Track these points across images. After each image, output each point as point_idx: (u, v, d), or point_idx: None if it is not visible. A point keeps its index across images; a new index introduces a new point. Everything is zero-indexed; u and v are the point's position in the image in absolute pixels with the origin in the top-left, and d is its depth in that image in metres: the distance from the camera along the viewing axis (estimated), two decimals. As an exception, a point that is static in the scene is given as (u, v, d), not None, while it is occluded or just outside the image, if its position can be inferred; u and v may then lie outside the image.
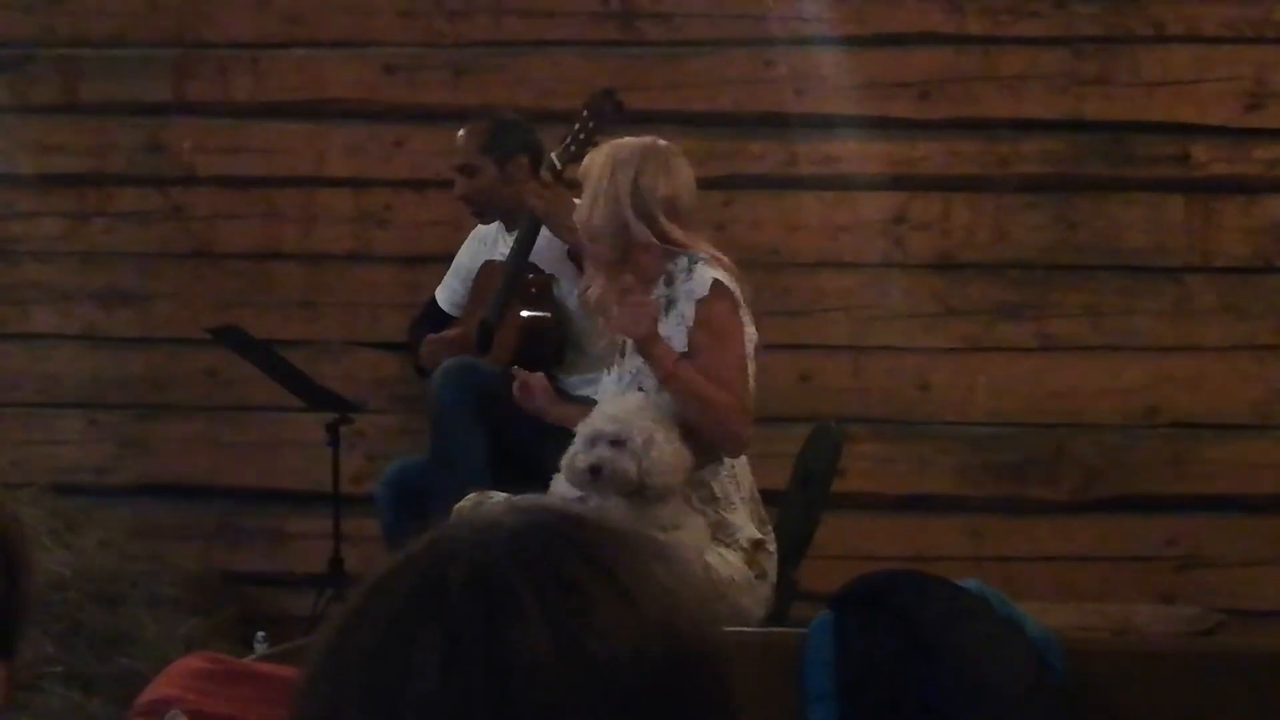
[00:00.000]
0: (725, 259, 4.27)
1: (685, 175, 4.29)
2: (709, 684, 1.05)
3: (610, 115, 5.04)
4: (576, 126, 5.03)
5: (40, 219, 6.33)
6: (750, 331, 4.22)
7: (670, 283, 4.20)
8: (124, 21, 6.28)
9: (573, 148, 4.99)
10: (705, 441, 4.13)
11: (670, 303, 4.18)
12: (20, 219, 6.33)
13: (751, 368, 4.20)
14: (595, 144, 4.85)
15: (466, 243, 5.42)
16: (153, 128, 6.27)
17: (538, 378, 4.47)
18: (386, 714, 1.02)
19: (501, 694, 1.00)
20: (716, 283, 4.14)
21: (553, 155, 5.00)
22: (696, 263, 4.18)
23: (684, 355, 4.12)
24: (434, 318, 5.41)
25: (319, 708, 1.05)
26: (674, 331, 4.15)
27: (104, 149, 6.29)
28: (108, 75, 6.28)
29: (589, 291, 4.33)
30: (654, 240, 4.18)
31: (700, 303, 4.13)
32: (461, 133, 5.27)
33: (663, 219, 4.17)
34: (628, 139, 4.35)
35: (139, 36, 6.28)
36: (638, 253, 4.19)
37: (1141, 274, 5.92)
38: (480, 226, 5.39)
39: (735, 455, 4.20)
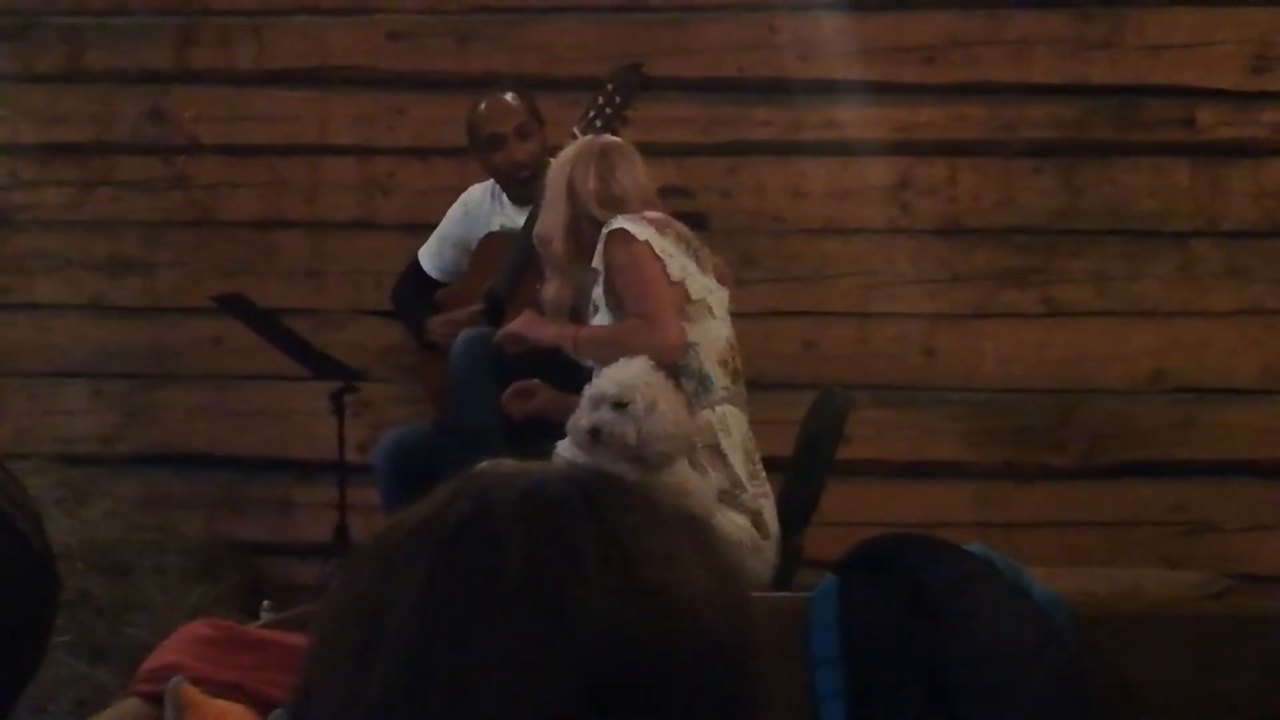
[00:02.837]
0: (654, 216, 4.38)
1: (624, 166, 4.44)
2: (704, 661, 1.04)
3: (636, 87, 5.03)
4: (600, 99, 5.01)
5: (44, 188, 6.32)
6: (680, 262, 4.30)
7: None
8: (126, -11, 6.26)
9: (597, 121, 4.97)
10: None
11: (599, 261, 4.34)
12: (24, 188, 6.32)
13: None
14: (623, 118, 4.91)
15: (455, 209, 5.40)
16: (156, 96, 6.26)
17: (528, 384, 4.51)
18: (368, 643, 1.02)
19: (469, 631, 1.00)
20: (614, 230, 4.28)
21: (576, 129, 4.98)
22: (615, 219, 4.32)
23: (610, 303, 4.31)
24: (419, 282, 5.40)
25: (319, 642, 1.06)
26: (605, 283, 4.33)
27: (107, 117, 6.28)
28: (110, 44, 6.26)
29: (545, 290, 4.52)
30: (594, 230, 4.35)
31: (604, 245, 4.28)
32: (509, 96, 5.24)
33: (596, 209, 4.35)
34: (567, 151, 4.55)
35: (142, 4, 6.26)
36: (589, 247, 4.36)
37: (1148, 239, 5.91)
38: (469, 194, 5.37)
39: (673, 359, 4.24)
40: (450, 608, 1.01)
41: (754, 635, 1.07)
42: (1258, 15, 5.88)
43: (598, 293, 4.35)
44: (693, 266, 4.33)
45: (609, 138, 4.60)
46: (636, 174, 4.46)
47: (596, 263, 4.32)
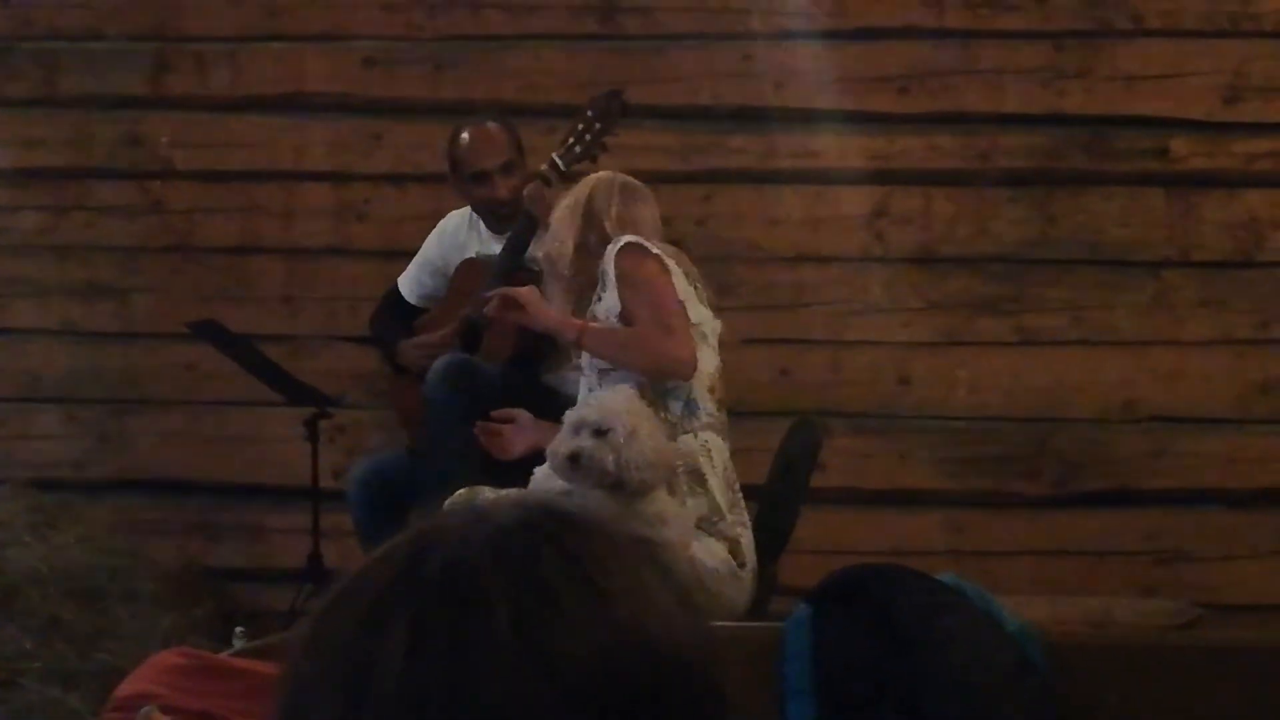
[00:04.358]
0: (663, 245, 4.40)
1: (642, 201, 4.49)
2: (685, 688, 1.05)
3: (616, 115, 5.03)
4: (580, 127, 5.00)
5: (18, 213, 6.31)
6: (683, 286, 4.32)
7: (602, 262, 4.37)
8: (102, 14, 6.26)
9: (577, 148, 4.97)
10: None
11: (603, 274, 4.32)
12: (-2, 213, 6.32)
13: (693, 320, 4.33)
14: (602, 145, 4.92)
15: (434, 236, 5.39)
16: (131, 121, 6.26)
17: (508, 413, 4.50)
18: (354, 699, 1.02)
19: (461, 687, 1.00)
20: (628, 242, 4.29)
21: (555, 156, 4.97)
22: (620, 238, 4.33)
23: (622, 314, 4.28)
24: (397, 309, 5.39)
25: (297, 689, 1.06)
26: (609, 295, 4.31)
27: (82, 143, 6.28)
28: (86, 69, 6.26)
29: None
30: (602, 249, 4.36)
31: (615, 259, 4.28)
32: (493, 127, 5.21)
33: (611, 228, 4.37)
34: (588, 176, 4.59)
35: (117, 30, 6.26)
36: (594, 265, 4.37)
37: (1121, 268, 5.93)
38: (447, 220, 5.36)
39: (685, 376, 4.25)
40: (441, 665, 1.01)
41: (719, 650, 1.09)
42: (1231, 46, 5.92)
43: (598, 308, 4.35)
44: (693, 294, 4.35)
45: (628, 176, 4.61)
46: (653, 211, 4.51)
47: (602, 276, 4.33)
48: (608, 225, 4.38)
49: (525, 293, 4.46)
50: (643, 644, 1.03)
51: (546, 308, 4.43)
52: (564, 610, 1.02)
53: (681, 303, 4.31)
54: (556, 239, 4.46)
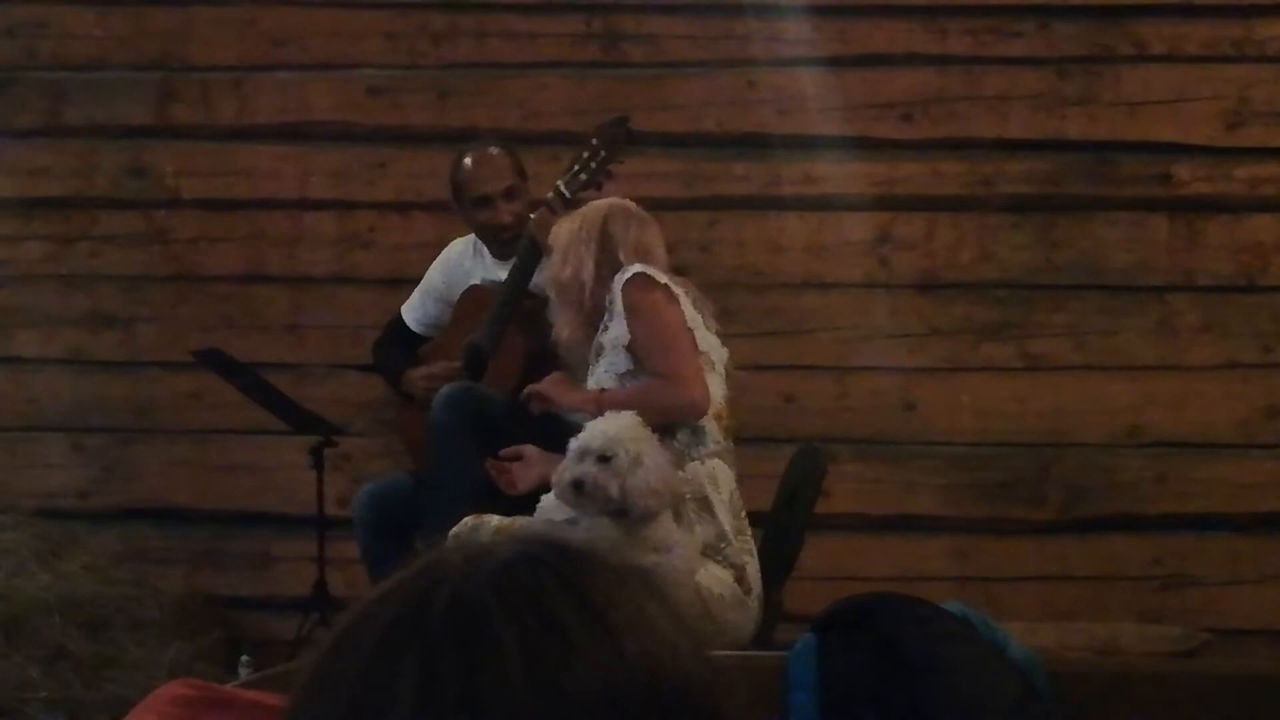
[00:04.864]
0: (675, 277, 4.42)
1: (653, 232, 4.52)
2: (691, 718, 1.05)
3: (622, 143, 5.03)
4: (586, 154, 5.00)
5: (24, 243, 6.32)
6: (690, 314, 4.34)
7: (610, 291, 4.38)
8: (107, 44, 6.28)
9: (582, 175, 4.97)
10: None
11: (611, 304, 4.35)
12: (4, 242, 6.32)
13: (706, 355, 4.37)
14: (608, 173, 4.92)
15: (437, 264, 5.39)
16: (136, 151, 6.27)
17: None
18: None
19: None
20: (640, 273, 4.31)
21: (560, 183, 4.97)
22: (630, 266, 4.35)
23: (630, 345, 4.31)
24: (401, 338, 5.39)
25: None
26: (617, 326, 4.32)
27: (88, 172, 6.29)
28: (91, 98, 6.27)
29: (558, 333, 4.54)
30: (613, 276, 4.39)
31: (625, 288, 4.30)
32: (496, 153, 5.22)
33: (625, 256, 4.40)
34: (595, 202, 4.61)
35: (122, 59, 6.27)
36: (601, 293, 4.40)
37: (1125, 293, 5.93)
38: (451, 248, 5.36)
39: (699, 416, 4.28)
40: (453, 705, 1.00)
41: (723, 679, 1.09)
42: (1233, 71, 5.93)
43: (605, 338, 4.35)
44: (699, 322, 4.36)
45: (634, 204, 4.64)
46: (662, 243, 4.53)
47: (609, 306, 4.34)
48: (623, 254, 4.39)
49: (546, 387, 4.54)
50: (650, 675, 1.03)
51: (566, 392, 4.49)
52: (573, 645, 1.02)
53: (690, 332, 4.31)
54: (570, 265, 4.45)
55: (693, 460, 4.25)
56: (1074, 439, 5.92)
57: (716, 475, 4.27)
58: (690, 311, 4.34)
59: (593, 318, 4.42)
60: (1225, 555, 5.87)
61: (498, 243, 5.17)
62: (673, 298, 4.31)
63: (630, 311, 4.29)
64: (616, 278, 4.33)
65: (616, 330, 4.31)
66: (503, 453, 4.51)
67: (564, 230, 4.53)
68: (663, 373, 4.28)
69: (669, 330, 4.29)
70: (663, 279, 4.32)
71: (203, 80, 6.25)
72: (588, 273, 4.41)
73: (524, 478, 4.47)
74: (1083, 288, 5.94)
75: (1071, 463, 5.92)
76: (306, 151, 6.20)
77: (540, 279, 4.94)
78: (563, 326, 4.50)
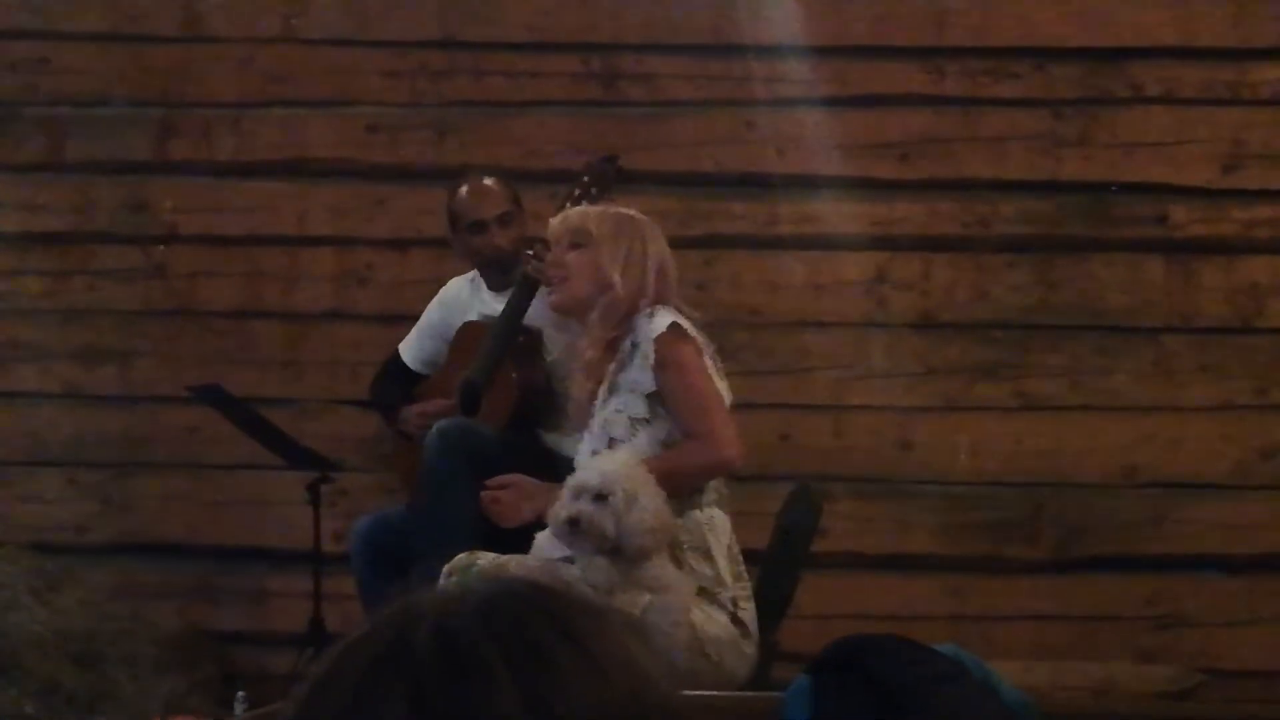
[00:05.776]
0: (691, 314, 4.36)
1: (667, 247, 4.44)
2: None
3: (611, 180, 5.04)
4: (576, 191, 5.00)
5: (22, 277, 6.33)
6: (715, 380, 4.29)
7: (633, 329, 4.28)
8: (107, 80, 6.29)
9: None
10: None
11: (634, 346, 4.25)
12: (2, 276, 6.33)
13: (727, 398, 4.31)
14: None
15: (435, 302, 5.40)
16: (135, 186, 6.28)
17: (508, 479, 4.48)
18: None
19: None
20: (674, 324, 4.24)
21: (553, 221, 4.98)
22: (658, 309, 4.28)
23: (651, 395, 4.22)
24: (399, 375, 5.39)
25: None
26: (639, 373, 4.23)
27: (86, 207, 6.30)
28: (91, 134, 6.29)
29: (582, 352, 4.39)
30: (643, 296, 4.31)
31: (658, 340, 4.21)
32: (491, 181, 5.24)
33: (654, 280, 4.32)
34: (621, 209, 4.49)
35: (122, 95, 6.29)
36: (622, 305, 4.31)
37: (1121, 334, 5.95)
38: (449, 286, 5.36)
39: (733, 472, 4.28)
40: None
41: (697, 711, 1.09)
42: (1229, 114, 5.95)
43: (623, 377, 4.27)
44: (713, 370, 4.33)
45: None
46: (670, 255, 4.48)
47: (633, 348, 4.25)
48: (652, 277, 4.30)
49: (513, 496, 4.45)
50: (635, 704, 1.04)
51: (544, 493, 4.31)
52: (562, 672, 1.03)
53: (718, 391, 4.28)
54: (605, 273, 4.31)
55: (692, 509, 4.23)
56: (1070, 479, 5.93)
57: (715, 523, 4.25)
58: (709, 363, 4.31)
59: (610, 332, 4.32)
60: (1220, 596, 5.87)
61: (495, 270, 5.17)
62: (699, 350, 4.27)
63: (662, 366, 4.21)
64: (649, 325, 4.25)
65: (637, 376, 4.24)
66: (490, 482, 4.48)
67: (593, 218, 4.43)
68: (699, 432, 4.21)
69: (701, 388, 4.24)
70: (692, 332, 4.27)
71: (202, 116, 6.27)
72: (618, 275, 4.31)
73: (517, 509, 4.44)
74: (1079, 328, 5.96)
75: (1067, 502, 5.93)
76: (305, 188, 6.22)
77: (535, 313, 4.95)
78: (584, 346, 4.39)
